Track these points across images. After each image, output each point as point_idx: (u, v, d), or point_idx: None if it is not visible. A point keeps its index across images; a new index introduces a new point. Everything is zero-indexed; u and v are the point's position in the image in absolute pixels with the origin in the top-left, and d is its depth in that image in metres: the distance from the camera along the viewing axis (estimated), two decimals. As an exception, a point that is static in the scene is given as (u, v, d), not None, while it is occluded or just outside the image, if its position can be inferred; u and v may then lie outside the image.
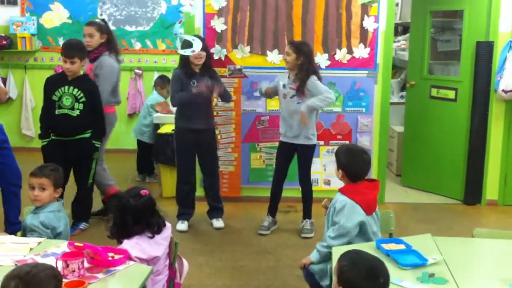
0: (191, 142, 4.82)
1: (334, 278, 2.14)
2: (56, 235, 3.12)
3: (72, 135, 4.62)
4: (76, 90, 4.57)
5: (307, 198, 4.89)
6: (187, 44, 4.40)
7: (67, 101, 4.56)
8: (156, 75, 7.14)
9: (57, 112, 4.57)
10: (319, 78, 4.66)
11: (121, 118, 7.68)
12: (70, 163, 4.72)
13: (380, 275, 2.05)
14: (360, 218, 3.07)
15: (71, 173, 4.79)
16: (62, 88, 4.57)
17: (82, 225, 4.82)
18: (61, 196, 4.55)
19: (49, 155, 4.61)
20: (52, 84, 4.64)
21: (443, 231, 4.83)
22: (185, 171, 4.92)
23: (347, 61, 5.44)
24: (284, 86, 4.73)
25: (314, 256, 3.21)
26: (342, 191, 3.17)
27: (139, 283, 2.46)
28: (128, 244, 2.75)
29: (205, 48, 4.70)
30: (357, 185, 3.15)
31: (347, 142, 5.53)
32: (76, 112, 4.58)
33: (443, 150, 5.84)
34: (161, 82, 6.47)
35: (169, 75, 7.39)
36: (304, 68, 4.61)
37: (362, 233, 3.09)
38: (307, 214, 4.90)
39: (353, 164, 3.16)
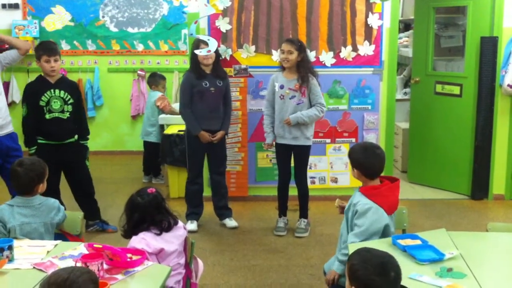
0: (205, 142, 4.82)
1: (346, 279, 2.11)
2: (9, 231, 3.05)
3: (65, 138, 4.60)
4: (63, 92, 4.54)
5: (304, 198, 4.87)
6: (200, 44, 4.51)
7: (56, 105, 4.51)
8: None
9: (47, 116, 4.51)
10: (316, 78, 4.64)
11: (125, 119, 7.72)
12: (60, 166, 4.66)
13: (391, 269, 2.03)
14: (385, 222, 2.97)
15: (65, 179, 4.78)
16: (49, 92, 4.50)
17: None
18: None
19: None
20: (36, 90, 4.54)
21: (452, 226, 4.84)
22: (196, 171, 4.93)
23: (352, 58, 5.45)
24: (282, 86, 4.65)
25: (338, 268, 2.98)
26: (364, 192, 3.04)
27: (159, 284, 2.46)
28: (136, 240, 2.88)
29: None
30: (379, 187, 3.06)
31: (353, 139, 5.55)
32: (67, 115, 4.56)
33: (449, 146, 5.86)
34: (154, 81, 6.48)
35: (172, 77, 7.46)
36: (305, 66, 4.60)
37: (385, 234, 2.98)
38: (303, 214, 4.89)
39: (367, 162, 3.08)
